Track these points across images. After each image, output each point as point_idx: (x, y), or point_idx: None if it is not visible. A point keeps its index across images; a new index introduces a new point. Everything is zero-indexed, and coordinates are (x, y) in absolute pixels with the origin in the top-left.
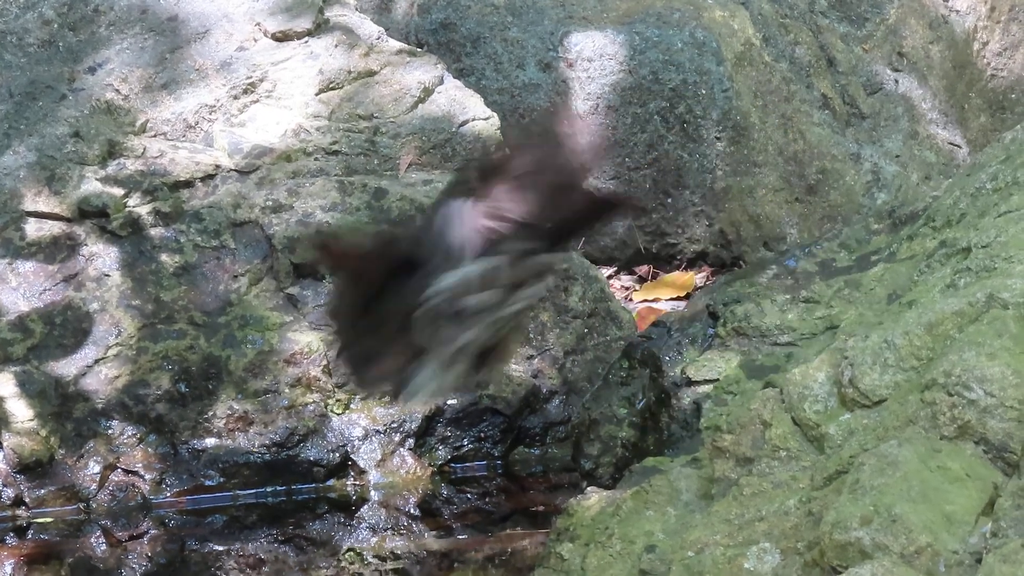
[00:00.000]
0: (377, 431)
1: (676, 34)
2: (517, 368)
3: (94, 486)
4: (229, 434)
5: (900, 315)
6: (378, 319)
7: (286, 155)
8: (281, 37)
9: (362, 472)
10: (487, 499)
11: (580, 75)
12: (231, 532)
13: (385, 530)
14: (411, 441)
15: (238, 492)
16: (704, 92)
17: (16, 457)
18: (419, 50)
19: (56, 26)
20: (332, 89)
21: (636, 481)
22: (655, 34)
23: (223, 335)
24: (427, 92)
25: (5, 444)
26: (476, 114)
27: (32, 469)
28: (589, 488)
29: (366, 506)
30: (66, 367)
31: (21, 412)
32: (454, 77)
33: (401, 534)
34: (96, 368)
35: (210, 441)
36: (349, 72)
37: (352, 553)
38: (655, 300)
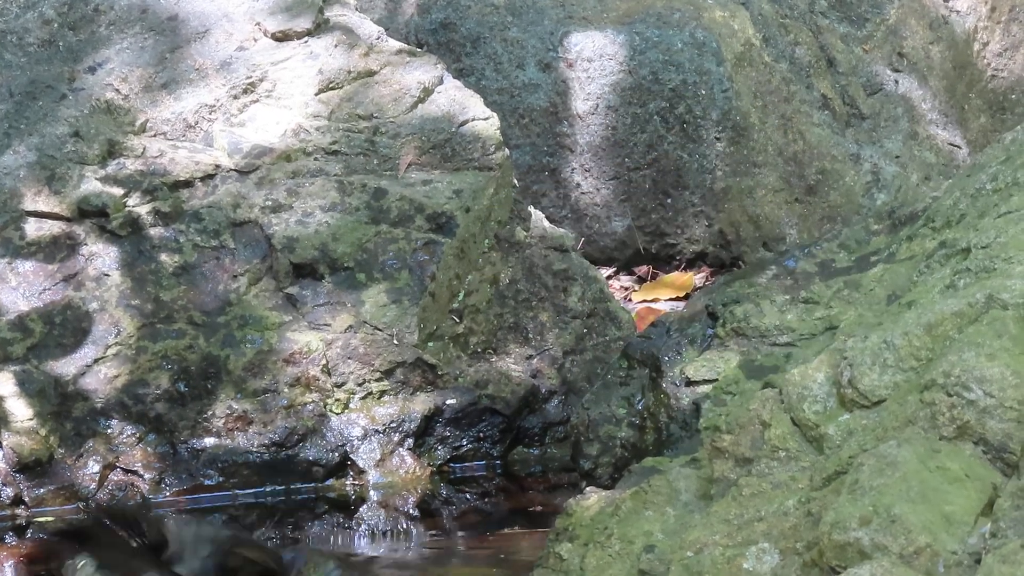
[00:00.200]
0: (376, 431)
1: (676, 34)
2: (516, 368)
3: (93, 485)
4: (228, 434)
5: (899, 316)
6: None
7: (286, 155)
8: (281, 37)
9: (361, 472)
10: (486, 499)
11: (580, 75)
12: None
13: (384, 530)
14: (410, 441)
15: (237, 492)
16: (704, 92)
17: (15, 456)
18: (419, 50)
19: (56, 25)
20: (332, 89)
21: (635, 481)
22: (655, 34)
23: (222, 335)
24: (427, 92)
25: (5, 443)
26: (476, 114)
27: (31, 468)
28: (588, 488)
29: (365, 506)
30: (65, 366)
31: (21, 411)
32: (454, 77)
33: (400, 534)
34: (95, 367)
35: (209, 440)
36: (349, 72)
37: (351, 553)
38: (654, 300)
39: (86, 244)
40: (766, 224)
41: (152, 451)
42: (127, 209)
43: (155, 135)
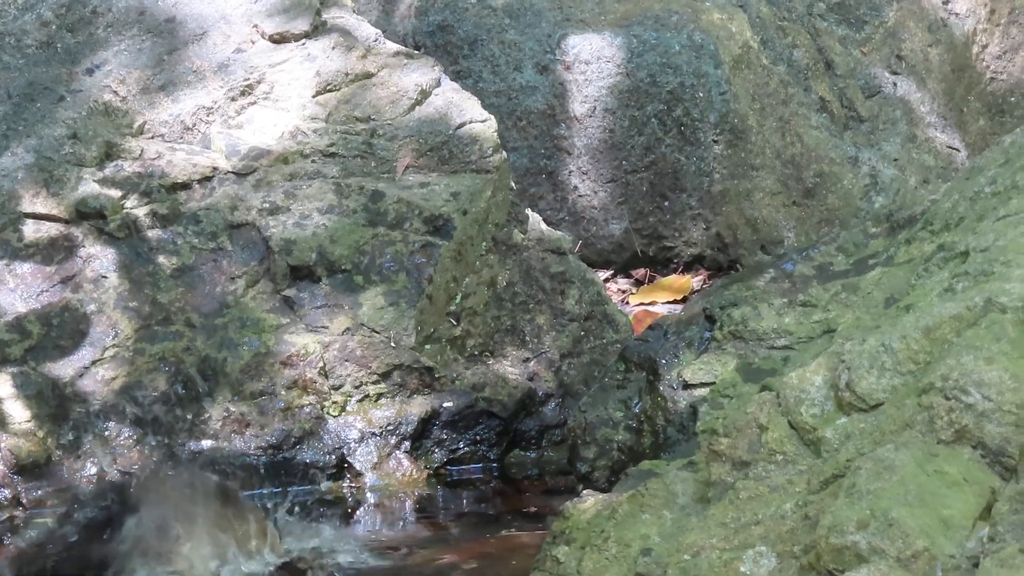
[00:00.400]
0: (373, 434)
1: (674, 37)
2: (513, 371)
3: (91, 487)
4: (226, 436)
5: (898, 319)
6: None
7: (283, 157)
8: (278, 39)
9: (358, 474)
10: (483, 502)
11: (577, 78)
12: None
13: (381, 532)
14: (407, 444)
15: None
16: (702, 95)
17: (13, 458)
18: (416, 52)
19: (54, 28)
20: (329, 91)
21: (632, 484)
22: (653, 37)
23: (220, 337)
24: (424, 94)
25: (2, 445)
26: (473, 116)
27: (29, 470)
28: (585, 491)
29: (362, 508)
30: (63, 368)
31: (18, 413)
32: (451, 79)
33: (397, 536)
34: (93, 369)
35: (206, 443)
36: (346, 74)
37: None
38: (651, 303)
39: (84, 246)
40: (764, 227)
41: (149, 453)
42: (125, 211)
43: (153, 137)
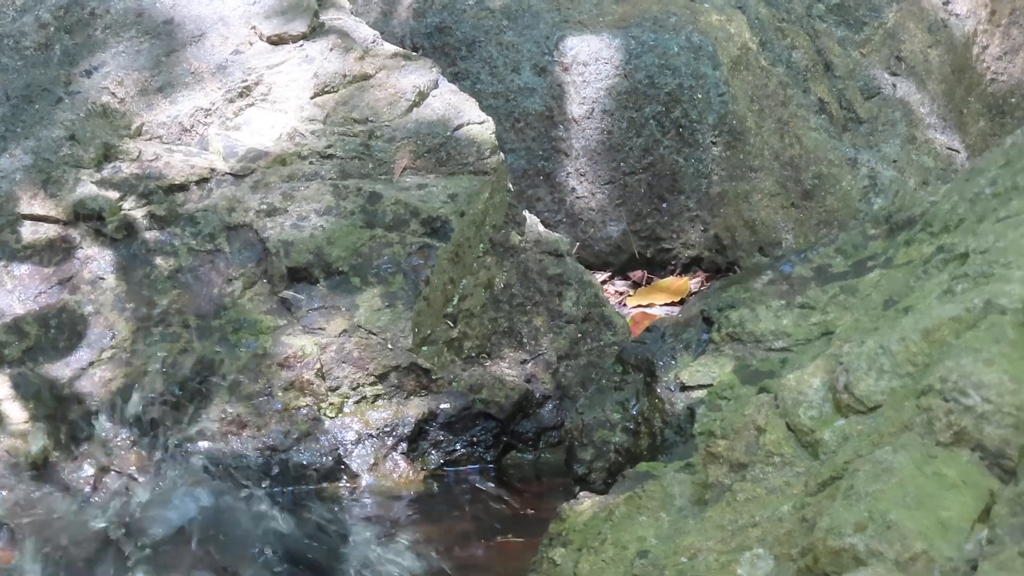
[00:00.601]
0: (370, 435)
1: (672, 38)
2: (510, 372)
3: (88, 488)
4: (223, 437)
5: (896, 321)
6: None
7: (281, 159)
8: (276, 40)
9: (355, 476)
10: (480, 504)
11: (575, 79)
12: None
13: (377, 534)
14: (404, 445)
15: None
16: (700, 96)
17: (11, 459)
18: (414, 54)
19: (52, 29)
20: (327, 93)
21: (629, 486)
22: (651, 38)
23: (217, 338)
24: (422, 96)
25: (0, 446)
26: (471, 118)
27: (26, 471)
28: (582, 493)
29: (358, 509)
30: (61, 369)
31: (16, 414)
32: (449, 81)
33: (393, 538)
34: (90, 370)
35: (203, 444)
36: (344, 76)
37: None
38: (649, 305)
39: (82, 247)
40: (762, 229)
41: (147, 454)
42: (122, 212)
43: (150, 139)
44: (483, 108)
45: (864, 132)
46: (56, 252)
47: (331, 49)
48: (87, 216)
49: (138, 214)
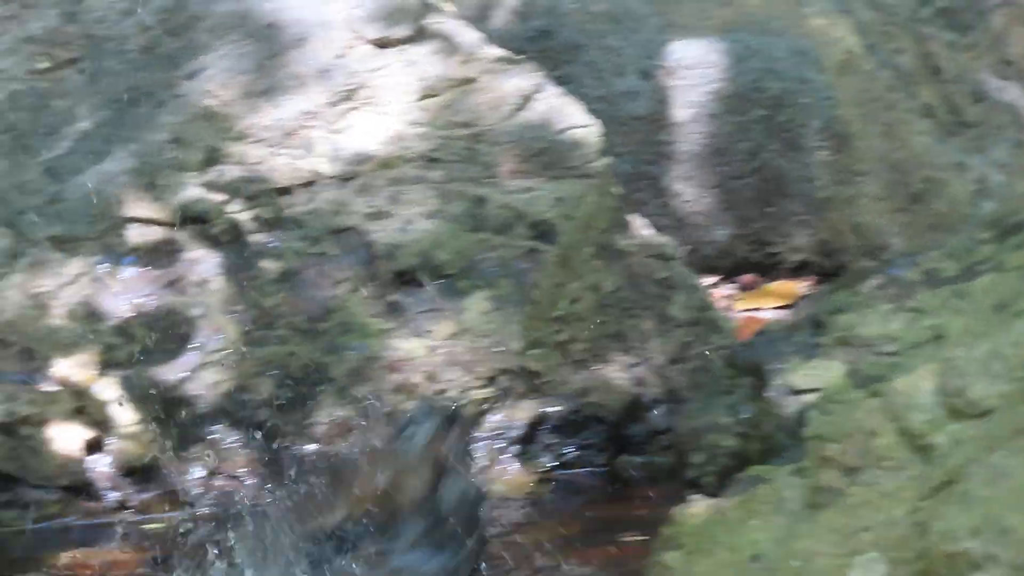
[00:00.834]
0: (481, 437)
1: (777, 42)
2: (619, 376)
3: (198, 491)
4: (330, 440)
5: (1008, 325)
6: None
7: (386, 162)
8: (380, 44)
9: None
10: (592, 506)
11: (680, 83)
12: None
13: (489, 536)
14: (515, 448)
15: None
16: (806, 100)
17: (121, 461)
18: (518, 57)
19: (156, 32)
20: (431, 96)
21: (741, 490)
22: (756, 42)
23: (325, 341)
24: (526, 99)
25: (110, 448)
26: (575, 121)
27: (136, 473)
28: (694, 496)
29: None
30: (169, 372)
31: (126, 417)
32: (552, 85)
33: (506, 540)
34: (199, 373)
35: (311, 447)
36: (448, 79)
37: None
38: (757, 309)
39: (187, 250)
40: (869, 233)
41: (255, 457)
42: (227, 215)
43: (254, 142)
44: (587, 112)
45: (972, 136)
46: (162, 255)
47: (434, 53)
48: (192, 219)
49: (243, 217)
